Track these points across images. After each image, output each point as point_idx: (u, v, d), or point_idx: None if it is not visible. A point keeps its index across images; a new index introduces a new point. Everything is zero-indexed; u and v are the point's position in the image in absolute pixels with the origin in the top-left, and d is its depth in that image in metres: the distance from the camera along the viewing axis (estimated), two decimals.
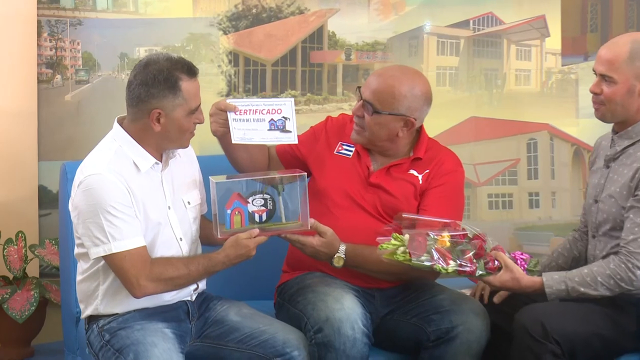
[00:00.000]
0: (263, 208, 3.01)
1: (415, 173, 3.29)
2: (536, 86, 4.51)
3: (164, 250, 3.00)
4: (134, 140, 2.95)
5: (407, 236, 2.96)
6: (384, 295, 3.30)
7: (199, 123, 2.98)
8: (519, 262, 3.04)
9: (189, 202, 3.10)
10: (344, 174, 3.29)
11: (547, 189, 4.52)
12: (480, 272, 2.97)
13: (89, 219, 2.87)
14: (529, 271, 3.06)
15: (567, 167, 4.50)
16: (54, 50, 4.37)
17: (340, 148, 3.36)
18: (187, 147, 3.05)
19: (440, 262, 2.93)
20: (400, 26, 4.45)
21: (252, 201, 3.00)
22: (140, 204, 2.93)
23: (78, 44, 4.35)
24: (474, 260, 2.96)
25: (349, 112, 3.35)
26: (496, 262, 3.02)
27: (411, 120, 3.19)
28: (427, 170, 3.28)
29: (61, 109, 4.39)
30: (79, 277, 3.08)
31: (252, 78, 4.42)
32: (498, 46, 4.50)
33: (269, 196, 3.01)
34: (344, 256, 3.12)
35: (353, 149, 3.31)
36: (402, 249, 2.94)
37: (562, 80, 4.47)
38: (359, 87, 3.23)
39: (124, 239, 2.87)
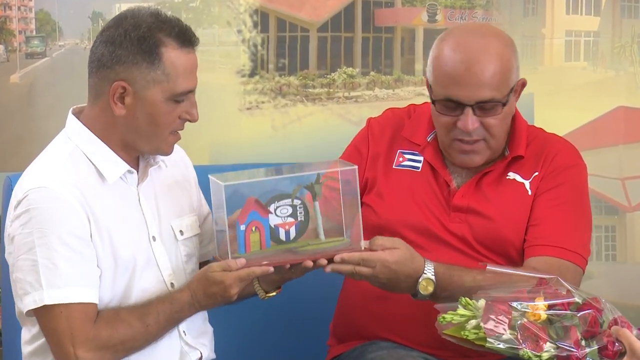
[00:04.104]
0: (291, 220, 2.73)
1: (518, 178, 2.97)
2: None
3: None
4: (95, 136, 2.69)
5: (482, 302, 2.65)
6: None
7: (188, 120, 2.69)
8: None
9: (181, 232, 2.81)
10: (415, 196, 2.98)
11: None
12: None
13: (23, 254, 2.60)
14: None
15: None
16: None
17: (401, 159, 3.04)
18: (169, 153, 2.74)
19: (530, 344, 2.58)
20: None
21: (276, 210, 2.73)
22: (105, 233, 2.65)
23: None
24: (582, 342, 2.60)
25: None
26: (616, 344, 2.63)
27: (522, 81, 2.98)
28: (536, 173, 2.97)
29: (5, 95, 4.14)
30: (26, 349, 2.75)
31: (288, 49, 4.18)
32: None
33: (299, 202, 2.73)
34: (433, 277, 2.77)
35: (422, 159, 3.04)
36: (473, 322, 2.62)
37: None
38: (450, 99, 2.87)
39: (65, 287, 2.56)
